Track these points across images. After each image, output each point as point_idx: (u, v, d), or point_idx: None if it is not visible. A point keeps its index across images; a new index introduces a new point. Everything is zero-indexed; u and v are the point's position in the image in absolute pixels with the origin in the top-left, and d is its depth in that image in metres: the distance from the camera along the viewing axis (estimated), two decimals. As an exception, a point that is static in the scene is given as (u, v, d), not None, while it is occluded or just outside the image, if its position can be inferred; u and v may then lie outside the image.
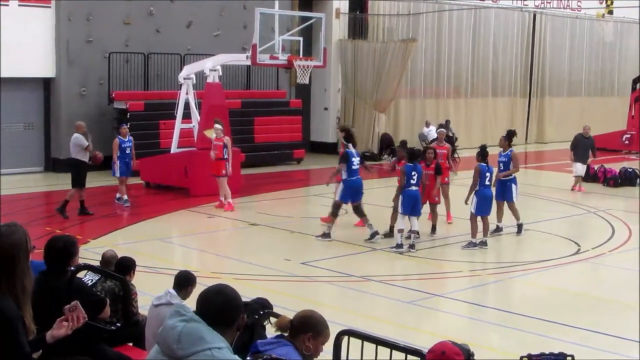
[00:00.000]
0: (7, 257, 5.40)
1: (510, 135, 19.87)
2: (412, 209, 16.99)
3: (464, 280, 15.66)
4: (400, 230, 17.20)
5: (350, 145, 18.42)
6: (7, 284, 5.37)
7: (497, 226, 19.03)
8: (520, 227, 19.13)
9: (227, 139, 21.74)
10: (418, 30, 35.72)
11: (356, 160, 18.31)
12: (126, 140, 21.96)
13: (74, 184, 20.33)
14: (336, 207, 18.35)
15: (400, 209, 17.14)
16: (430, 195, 18.58)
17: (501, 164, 19.29)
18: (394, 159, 22.33)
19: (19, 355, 5.36)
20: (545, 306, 13.88)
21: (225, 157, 21.50)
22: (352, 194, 18.25)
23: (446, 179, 20.19)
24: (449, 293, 14.56)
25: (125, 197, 21.94)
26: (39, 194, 24.40)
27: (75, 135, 20.36)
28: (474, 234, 17.42)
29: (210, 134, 23.41)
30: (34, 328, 5.57)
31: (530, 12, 41.00)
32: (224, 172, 21.52)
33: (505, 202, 19.05)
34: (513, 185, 19.06)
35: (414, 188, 17.06)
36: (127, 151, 21.95)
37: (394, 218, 18.02)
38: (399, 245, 17.22)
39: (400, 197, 17.20)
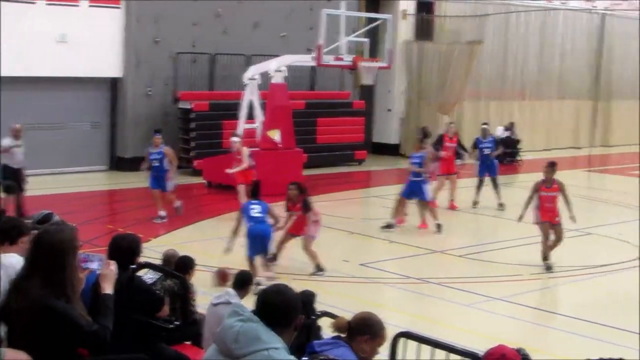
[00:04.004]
0: (56, 255, 5.47)
1: (425, 134, 20.11)
2: None
3: (523, 283, 15.54)
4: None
5: None
6: (56, 282, 5.45)
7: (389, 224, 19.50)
8: (438, 226, 19.44)
9: (244, 149, 20.55)
10: (484, 32, 35.50)
11: None
12: (155, 152, 19.88)
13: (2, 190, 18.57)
14: None
15: None
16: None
17: (415, 165, 19.73)
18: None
19: (88, 334, 5.46)
20: (606, 311, 13.76)
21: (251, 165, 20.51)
22: None
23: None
24: (508, 296, 14.47)
25: (162, 212, 19.89)
26: (103, 192, 24.75)
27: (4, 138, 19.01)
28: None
29: (274, 134, 23.57)
30: (89, 320, 5.66)
31: (599, 13, 40.51)
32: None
33: (418, 200, 19.75)
34: (424, 185, 19.49)
35: None
36: (156, 164, 19.82)
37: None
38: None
39: None
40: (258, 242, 14.72)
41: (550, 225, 16.32)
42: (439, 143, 22.78)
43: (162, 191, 19.80)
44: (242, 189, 19.69)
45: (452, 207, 22.38)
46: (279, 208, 15.74)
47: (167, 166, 19.72)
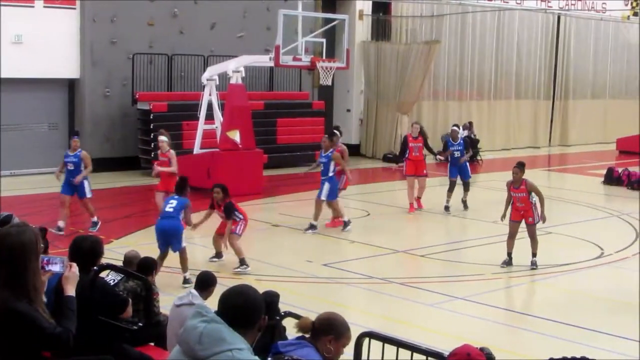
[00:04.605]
0: (17, 257, 5.39)
1: (332, 135, 20.23)
2: None
3: (486, 283, 15.58)
4: None
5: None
6: (18, 284, 5.37)
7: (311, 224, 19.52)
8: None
9: (172, 152, 19.16)
10: (441, 31, 35.62)
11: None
12: (72, 154, 18.34)
13: None
14: None
15: None
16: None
17: (322, 165, 19.72)
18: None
19: (51, 337, 5.38)
20: (568, 310, 13.83)
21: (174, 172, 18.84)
22: None
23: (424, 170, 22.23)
24: (471, 296, 14.51)
25: (61, 223, 18.10)
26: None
27: None
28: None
29: (233, 135, 23.49)
30: (53, 322, 5.59)
31: (555, 13, 40.79)
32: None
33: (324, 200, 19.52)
34: (327, 184, 19.38)
35: None
36: (70, 167, 18.27)
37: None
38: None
39: None
40: (162, 238, 14.68)
41: (525, 225, 16.31)
42: (404, 144, 22.66)
43: (79, 198, 18.41)
44: (160, 196, 18.45)
45: (418, 206, 22.17)
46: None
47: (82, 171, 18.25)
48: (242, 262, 15.48)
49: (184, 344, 4.82)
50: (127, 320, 8.04)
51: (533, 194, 16.26)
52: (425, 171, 22.32)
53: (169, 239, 14.66)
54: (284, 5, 27.13)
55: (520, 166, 16.36)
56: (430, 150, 23.03)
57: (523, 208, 16.23)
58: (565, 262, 16.93)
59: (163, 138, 19.09)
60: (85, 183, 18.36)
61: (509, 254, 16.41)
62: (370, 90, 34.89)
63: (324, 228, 19.68)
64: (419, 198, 22.27)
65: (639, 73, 43.11)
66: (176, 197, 14.92)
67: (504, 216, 16.58)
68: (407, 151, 22.23)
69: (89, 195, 18.45)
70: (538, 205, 16.32)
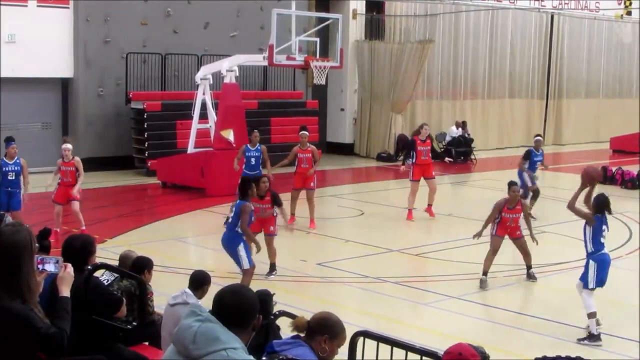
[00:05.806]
0: (11, 256, 5.37)
1: (253, 128, 20.61)
2: None
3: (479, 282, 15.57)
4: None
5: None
6: (12, 283, 5.35)
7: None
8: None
9: (78, 160, 18.06)
10: (435, 31, 35.63)
11: None
12: (11, 162, 17.19)
13: None
14: None
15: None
16: None
17: (252, 159, 20.25)
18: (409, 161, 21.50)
19: (45, 337, 5.37)
20: (561, 309, 13.84)
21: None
22: None
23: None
24: (465, 295, 14.50)
25: None
26: (56, 194, 24.49)
27: None
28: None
29: (227, 134, 23.49)
30: (47, 323, 5.58)
31: (548, 13, 40.84)
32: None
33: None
34: None
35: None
36: (10, 177, 17.15)
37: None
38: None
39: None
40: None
41: (512, 240, 15.62)
42: (412, 147, 21.39)
43: (12, 210, 16.66)
44: (77, 205, 18.03)
45: (429, 213, 21.21)
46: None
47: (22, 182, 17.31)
48: (273, 267, 15.17)
49: (178, 343, 4.81)
50: (121, 320, 8.03)
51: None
52: (433, 173, 21.35)
53: (230, 255, 13.69)
54: (278, 4, 27.12)
55: (517, 185, 15.89)
56: (435, 152, 22.37)
57: (512, 227, 15.44)
58: (559, 261, 16.92)
59: (69, 146, 17.97)
60: (21, 194, 17.34)
61: (485, 273, 15.15)
62: (364, 90, 34.88)
63: (319, 228, 19.66)
64: (430, 205, 21.16)
65: (639, 73, 43.14)
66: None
67: (479, 234, 15.41)
68: (415, 156, 20.99)
69: (21, 208, 17.25)
70: (523, 221, 15.86)
